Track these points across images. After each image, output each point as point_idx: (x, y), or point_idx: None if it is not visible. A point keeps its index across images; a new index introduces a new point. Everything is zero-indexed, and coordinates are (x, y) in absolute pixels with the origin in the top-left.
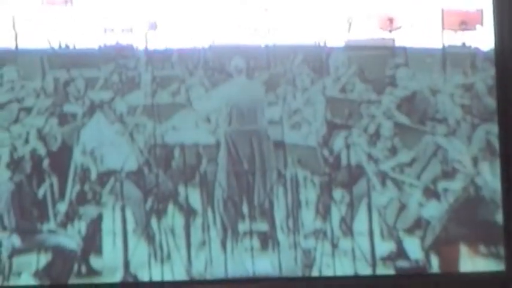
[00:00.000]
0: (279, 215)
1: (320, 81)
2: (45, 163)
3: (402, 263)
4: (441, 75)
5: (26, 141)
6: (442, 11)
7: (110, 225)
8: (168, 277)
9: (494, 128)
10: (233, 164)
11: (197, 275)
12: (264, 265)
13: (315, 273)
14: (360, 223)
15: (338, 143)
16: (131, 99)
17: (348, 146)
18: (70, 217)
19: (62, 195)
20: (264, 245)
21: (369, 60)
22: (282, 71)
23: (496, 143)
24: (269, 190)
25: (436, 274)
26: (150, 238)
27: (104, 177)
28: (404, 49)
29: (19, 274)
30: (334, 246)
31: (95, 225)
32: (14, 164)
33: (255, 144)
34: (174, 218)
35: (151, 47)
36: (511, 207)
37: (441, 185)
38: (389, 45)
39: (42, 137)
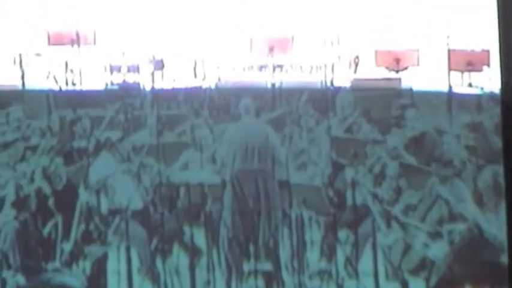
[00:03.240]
0: (284, 254)
1: (325, 121)
2: (51, 202)
3: None
4: (447, 116)
5: (32, 180)
6: (449, 51)
7: (115, 265)
8: None
9: (500, 169)
10: (238, 204)
11: None
12: None
13: None
14: (365, 263)
15: (343, 182)
16: (137, 138)
17: (353, 186)
18: (75, 256)
19: (67, 234)
20: (268, 285)
21: (375, 100)
22: (288, 110)
23: (502, 184)
24: (274, 230)
25: None
26: (154, 278)
27: (109, 217)
28: (410, 89)
29: None
30: (340, 286)
31: (100, 265)
32: (19, 203)
33: (261, 184)
34: (179, 257)
35: (157, 86)
36: None
37: (446, 226)
38: (395, 86)
39: (47, 176)
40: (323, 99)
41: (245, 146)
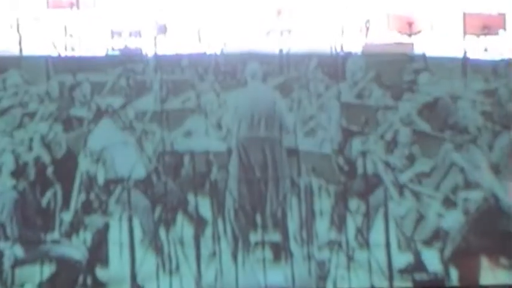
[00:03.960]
0: (292, 225)
1: (335, 86)
2: (50, 171)
3: (420, 276)
4: (462, 81)
5: (30, 147)
6: (464, 14)
7: (117, 235)
8: None
9: None
10: (245, 172)
11: None
12: (277, 277)
13: (329, 285)
14: (377, 234)
15: (354, 150)
16: (140, 104)
17: (364, 154)
18: (75, 227)
19: (67, 204)
20: (276, 256)
21: (386, 65)
22: (296, 76)
23: None
24: (282, 199)
25: (456, 287)
26: (158, 249)
27: (110, 186)
28: (423, 54)
29: (22, 285)
30: (350, 258)
31: (101, 236)
32: (17, 172)
33: (268, 152)
34: (183, 228)
35: (160, 51)
36: None
37: (461, 194)
38: (408, 50)
39: (46, 143)
40: (333, 64)
41: (251, 112)
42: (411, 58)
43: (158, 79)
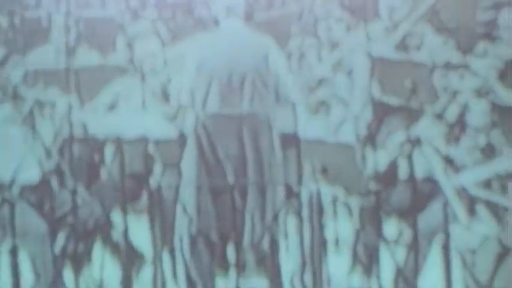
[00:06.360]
0: (288, 264)
1: (361, 29)
2: None
3: None
4: None
5: None
6: None
7: None
8: None
9: None
10: (209, 174)
11: None
12: None
13: None
14: (431, 279)
15: (393, 139)
16: (32, 59)
17: (410, 144)
18: None
19: None
20: None
21: None
22: (297, 11)
23: None
24: (271, 220)
25: None
26: None
27: None
28: None
29: None
30: None
31: None
32: None
33: (248, 140)
34: (104, 267)
35: None
36: None
37: None
38: None
39: None
40: None
41: (224, 73)
42: None
43: (62, 16)
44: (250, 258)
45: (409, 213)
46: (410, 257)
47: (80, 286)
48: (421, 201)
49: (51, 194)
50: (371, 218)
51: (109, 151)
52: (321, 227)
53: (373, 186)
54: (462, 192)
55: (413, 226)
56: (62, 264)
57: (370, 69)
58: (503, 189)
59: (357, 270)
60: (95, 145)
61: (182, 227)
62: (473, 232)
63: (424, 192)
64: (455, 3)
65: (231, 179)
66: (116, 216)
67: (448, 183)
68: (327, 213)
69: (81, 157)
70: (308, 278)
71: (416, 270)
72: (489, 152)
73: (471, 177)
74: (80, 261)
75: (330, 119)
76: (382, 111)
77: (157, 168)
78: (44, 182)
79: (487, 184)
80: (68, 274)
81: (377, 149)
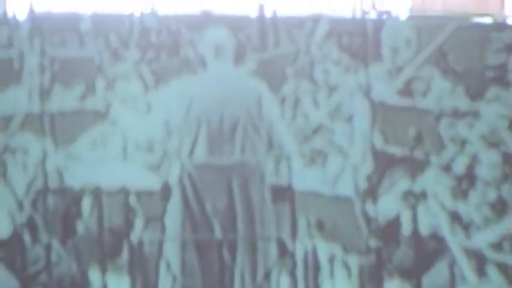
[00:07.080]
0: None
1: (361, 72)
2: None
3: None
4: None
5: None
6: None
7: None
8: None
9: None
10: (194, 229)
11: None
12: None
13: None
14: None
15: (396, 191)
16: (2, 102)
17: (414, 199)
18: None
19: None
20: None
21: (454, 37)
22: (291, 52)
23: None
24: (262, 279)
25: None
26: None
27: None
28: None
29: None
30: None
31: None
32: None
33: (237, 191)
34: None
35: (40, 9)
36: None
37: None
38: (494, 12)
39: None
40: (357, 34)
41: (215, 117)
42: (500, 26)
43: (37, 56)
44: None
45: (413, 273)
46: None
47: None
48: (426, 259)
49: (23, 250)
50: (371, 278)
51: (86, 203)
52: None
53: (373, 243)
54: (471, 251)
55: (418, 287)
56: None
57: (371, 116)
58: None
59: None
60: (72, 196)
61: (166, 286)
62: None
63: (429, 250)
64: (463, 45)
65: (218, 234)
66: (94, 274)
67: (455, 241)
68: (323, 273)
69: (56, 209)
70: None
71: None
72: (500, 207)
73: (483, 239)
74: None
75: (327, 170)
76: (383, 162)
77: (138, 222)
78: (16, 237)
79: (498, 244)
80: None
81: (378, 203)
